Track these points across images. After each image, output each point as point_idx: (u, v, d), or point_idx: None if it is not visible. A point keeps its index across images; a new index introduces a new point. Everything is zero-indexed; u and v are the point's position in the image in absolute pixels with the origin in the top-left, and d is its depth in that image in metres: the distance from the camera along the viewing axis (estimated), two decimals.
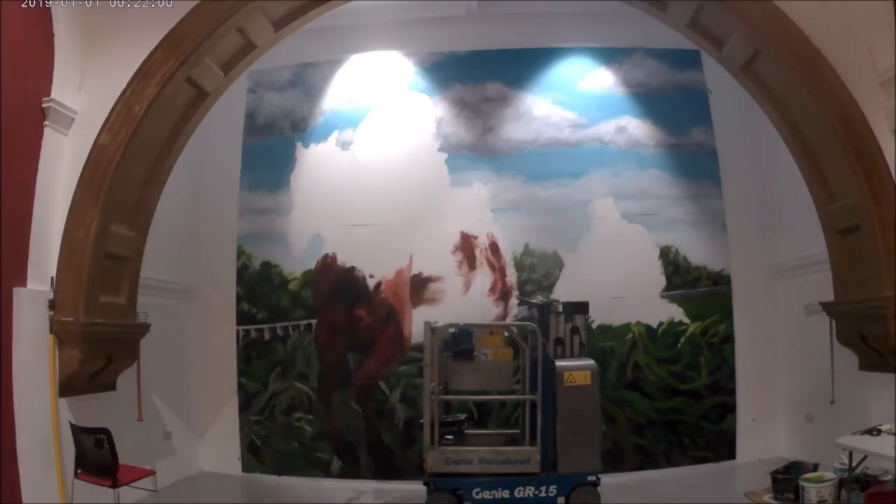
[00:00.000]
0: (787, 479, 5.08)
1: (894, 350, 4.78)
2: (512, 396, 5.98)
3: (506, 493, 5.16)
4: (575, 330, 5.59)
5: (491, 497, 5.16)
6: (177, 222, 6.58)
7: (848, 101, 4.98)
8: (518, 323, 5.85)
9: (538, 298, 5.85)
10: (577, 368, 5.33)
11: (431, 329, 5.40)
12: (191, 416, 7.04)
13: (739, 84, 5.84)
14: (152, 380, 6.24)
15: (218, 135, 7.21)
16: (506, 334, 5.66)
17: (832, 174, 5.24)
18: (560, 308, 5.71)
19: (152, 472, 4.84)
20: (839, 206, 5.20)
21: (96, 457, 4.53)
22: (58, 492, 4.69)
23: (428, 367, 5.33)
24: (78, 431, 4.69)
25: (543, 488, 5.19)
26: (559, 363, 5.39)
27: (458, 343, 5.50)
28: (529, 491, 5.18)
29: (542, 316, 5.74)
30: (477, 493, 5.16)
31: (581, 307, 5.70)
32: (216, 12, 5.25)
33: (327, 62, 7.64)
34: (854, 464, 4.28)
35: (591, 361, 5.46)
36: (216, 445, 7.16)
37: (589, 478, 5.23)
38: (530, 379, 5.47)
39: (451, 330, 5.54)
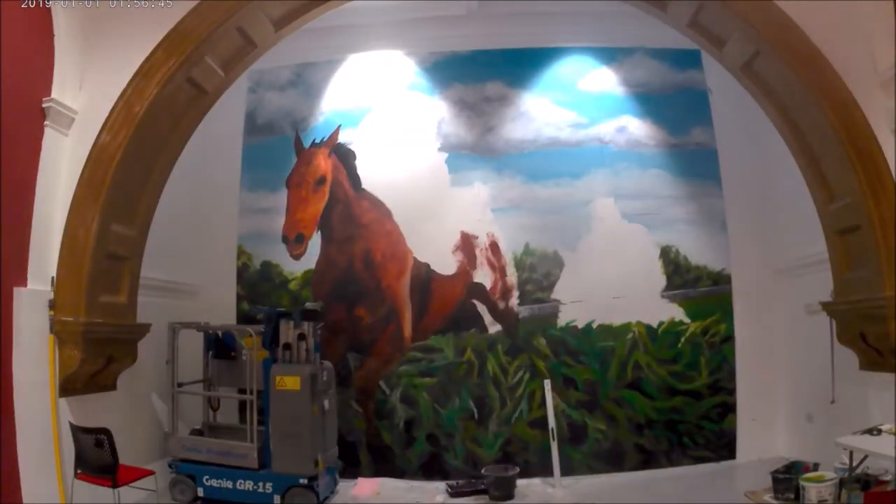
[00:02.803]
0: (788, 478, 5.08)
1: (894, 350, 4.77)
2: (231, 395, 6.38)
3: (229, 484, 5.66)
4: (302, 336, 5.76)
5: (218, 485, 5.68)
6: (177, 222, 6.56)
7: (848, 101, 4.97)
8: (239, 326, 6.47)
9: (261, 311, 6.28)
10: (287, 373, 5.60)
11: (172, 329, 6.06)
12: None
13: (740, 84, 5.84)
14: (152, 380, 6.24)
15: (218, 135, 7.18)
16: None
17: (832, 174, 5.23)
18: (292, 315, 5.92)
19: (152, 473, 4.84)
20: (839, 206, 5.19)
21: (96, 457, 4.53)
22: (58, 492, 4.69)
23: (169, 363, 6.03)
24: (77, 431, 4.69)
25: (260, 484, 5.59)
26: (274, 367, 5.68)
27: (224, 343, 6.28)
28: (249, 484, 5.62)
29: (272, 322, 5.85)
30: (206, 480, 5.71)
31: (311, 314, 5.91)
32: (216, 12, 5.24)
33: (327, 62, 7.64)
34: (854, 463, 4.28)
35: (305, 367, 5.64)
36: None
37: (301, 480, 5.49)
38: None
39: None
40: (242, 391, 6.04)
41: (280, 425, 5.57)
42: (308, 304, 6.35)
